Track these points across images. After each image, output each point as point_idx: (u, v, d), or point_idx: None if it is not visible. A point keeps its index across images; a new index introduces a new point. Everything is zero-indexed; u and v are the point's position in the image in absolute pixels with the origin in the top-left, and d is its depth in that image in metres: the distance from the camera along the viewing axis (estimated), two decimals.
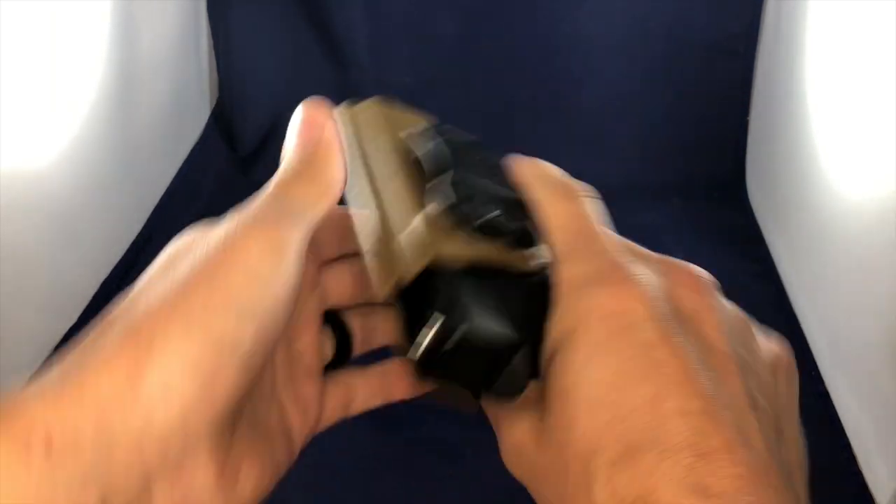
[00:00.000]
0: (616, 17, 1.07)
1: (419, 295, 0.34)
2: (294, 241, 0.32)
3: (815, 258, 0.78)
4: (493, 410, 0.35)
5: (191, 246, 0.30)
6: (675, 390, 0.28)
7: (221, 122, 1.16)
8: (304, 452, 0.78)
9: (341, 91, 1.14)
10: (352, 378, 0.38)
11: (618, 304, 0.30)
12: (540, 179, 0.36)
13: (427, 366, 0.33)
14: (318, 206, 0.35)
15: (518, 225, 0.35)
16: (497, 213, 0.35)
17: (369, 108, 0.45)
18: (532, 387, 0.33)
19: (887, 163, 0.63)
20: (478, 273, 0.35)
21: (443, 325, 0.32)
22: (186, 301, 0.27)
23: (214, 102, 1.19)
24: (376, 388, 0.39)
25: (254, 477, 0.31)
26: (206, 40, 1.16)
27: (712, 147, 1.08)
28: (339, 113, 0.42)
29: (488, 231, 0.35)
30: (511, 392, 0.34)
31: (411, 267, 0.32)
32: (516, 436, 0.33)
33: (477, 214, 0.35)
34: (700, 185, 1.06)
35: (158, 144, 1.04)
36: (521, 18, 1.08)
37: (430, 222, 0.35)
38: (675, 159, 1.08)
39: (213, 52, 1.16)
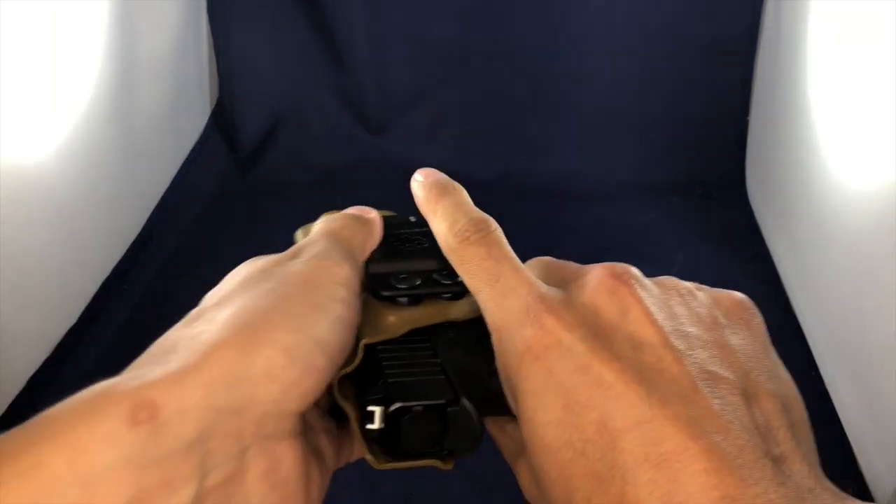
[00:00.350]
0: (616, 17, 1.07)
1: (361, 380, 0.37)
2: (357, 273, 0.37)
3: (815, 258, 0.78)
4: (509, 458, 0.37)
5: (269, 269, 0.34)
6: (616, 405, 0.29)
7: (221, 122, 1.16)
8: None
9: (341, 91, 1.14)
10: None
11: (544, 340, 0.31)
12: (440, 225, 0.38)
13: (385, 448, 0.36)
14: (366, 248, 0.41)
15: (441, 285, 0.40)
16: (417, 283, 0.40)
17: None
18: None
19: (887, 162, 0.63)
20: (408, 339, 0.39)
21: (381, 408, 0.35)
22: (287, 304, 0.32)
23: (214, 102, 1.19)
24: None
25: (318, 478, 0.33)
26: (206, 40, 1.16)
27: (712, 147, 1.08)
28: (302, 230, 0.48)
29: (415, 300, 0.40)
30: (466, 445, 0.36)
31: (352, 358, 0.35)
32: (523, 484, 0.35)
33: (397, 292, 0.40)
34: (700, 185, 1.06)
35: (158, 144, 1.04)
36: (520, 19, 1.08)
37: (366, 310, 0.39)
38: (675, 159, 1.08)
39: (213, 52, 1.16)
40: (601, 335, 0.31)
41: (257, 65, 1.14)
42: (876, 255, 0.63)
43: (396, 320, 0.39)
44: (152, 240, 0.97)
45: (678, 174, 1.07)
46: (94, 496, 0.24)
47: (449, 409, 0.36)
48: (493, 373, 0.36)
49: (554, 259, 0.38)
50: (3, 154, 0.71)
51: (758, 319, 0.33)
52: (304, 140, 1.12)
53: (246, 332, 0.29)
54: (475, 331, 0.38)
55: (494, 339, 0.34)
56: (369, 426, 0.35)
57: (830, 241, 0.74)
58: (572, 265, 0.36)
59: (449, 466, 0.36)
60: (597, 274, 0.33)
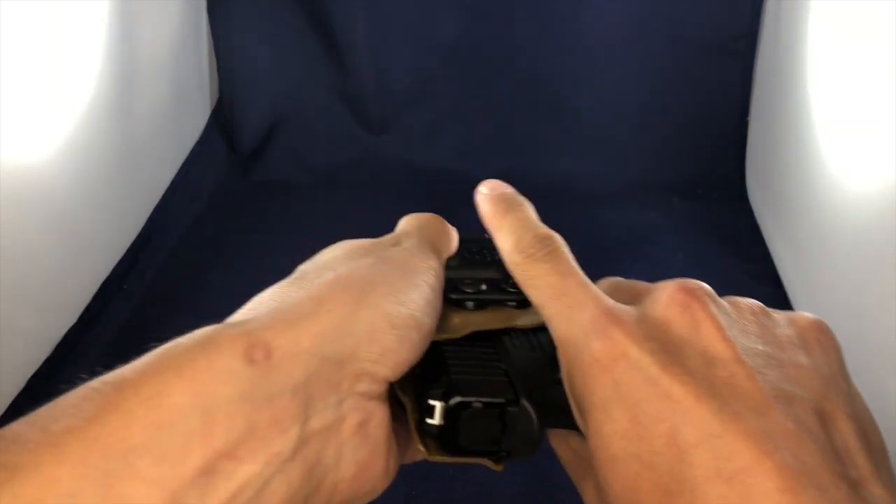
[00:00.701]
0: (616, 17, 1.07)
1: (422, 376, 0.38)
2: (441, 269, 0.39)
3: (815, 258, 0.78)
4: (573, 473, 0.37)
5: (369, 248, 0.37)
6: (686, 419, 0.28)
7: (221, 122, 1.16)
8: None
9: (341, 91, 1.14)
10: None
11: (612, 353, 0.31)
12: (506, 241, 0.39)
13: (440, 445, 0.36)
14: (448, 250, 0.43)
15: (506, 293, 0.41)
16: (483, 287, 0.41)
17: None
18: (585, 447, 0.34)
19: (887, 162, 0.63)
20: (472, 341, 0.40)
21: (441, 402, 0.36)
22: (389, 278, 0.34)
23: (214, 102, 1.19)
24: None
25: (395, 450, 0.34)
26: (206, 40, 1.16)
27: (712, 147, 1.08)
28: None
29: (480, 305, 0.41)
30: (523, 448, 0.36)
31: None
32: (588, 501, 0.35)
33: (464, 295, 0.41)
34: (700, 185, 1.06)
35: (158, 144, 1.04)
36: (520, 19, 1.08)
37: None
38: (675, 159, 1.08)
39: (213, 52, 1.16)
40: (671, 349, 0.31)
41: (257, 65, 1.14)
42: (876, 255, 0.63)
43: (461, 322, 0.40)
44: (152, 240, 0.96)
45: (678, 174, 1.07)
46: (213, 426, 0.25)
47: (509, 408, 0.36)
48: (557, 382, 0.36)
49: (623, 279, 0.38)
50: (3, 154, 0.71)
51: (834, 342, 0.32)
52: (304, 140, 1.12)
53: (354, 292, 0.31)
54: (540, 340, 0.39)
55: (561, 352, 0.34)
56: (428, 420, 0.36)
57: (830, 240, 0.74)
58: (642, 283, 0.36)
59: (499, 468, 0.36)
60: (668, 290, 0.33)
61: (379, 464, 0.33)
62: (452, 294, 0.41)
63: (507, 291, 0.41)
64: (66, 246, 0.82)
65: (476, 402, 0.37)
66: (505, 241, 0.39)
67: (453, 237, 0.43)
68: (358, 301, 0.31)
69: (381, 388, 0.32)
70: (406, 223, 0.42)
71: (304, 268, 0.34)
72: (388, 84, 1.13)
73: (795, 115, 0.88)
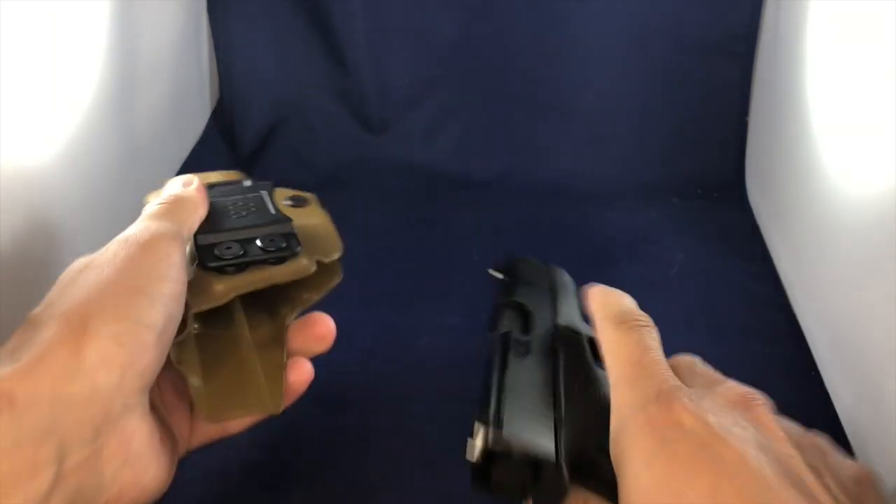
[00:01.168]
0: (616, 17, 1.07)
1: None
2: (180, 248, 0.40)
3: (815, 258, 0.78)
4: None
5: (90, 263, 0.37)
6: (733, 480, 0.29)
7: (221, 122, 1.16)
8: (305, 453, 0.78)
9: (341, 91, 1.14)
10: None
11: (669, 417, 0.32)
12: (604, 308, 0.41)
13: (477, 472, 0.38)
14: (194, 221, 0.44)
15: (264, 251, 0.45)
16: (240, 252, 0.45)
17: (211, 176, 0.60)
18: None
19: (888, 162, 0.63)
20: (533, 363, 0.41)
21: (484, 436, 0.37)
22: (110, 292, 0.34)
23: (214, 102, 1.19)
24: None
25: (168, 454, 0.37)
26: (206, 40, 1.16)
27: (712, 147, 1.08)
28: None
29: (240, 268, 0.45)
30: (545, 501, 0.37)
31: None
32: None
33: (222, 262, 0.46)
34: (700, 185, 1.06)
35: (158, 144, 1.04)
36: (520, 18, 1.08)
37: (195, 278, 0.45)
38: (675, 159, 1.08)
39: (213, 52, 1.16)
40: (726, 426, 0.32)
41: (257, 65, 1.14)
42: (876, 255, 0.63)
43: (223, 288, 0.43)
44: None
45: (678, 174, 1.07)
46: None
47: (546, 468, 0.37)
48: (603, 451, 0.36)
49: (699, 362, 0.40)
50: (1, 154, 0.71)
51: (882, 497, 0.33)
52: (305, 140, 1.12)
53: (77, 325, 0.32)
54: (600, 394, 0.39)
55: (615, 415, 0.35)
56: (468, 458, 0.37)
57: (830, 240, 0.74)
58: (716, 374, 0.38)
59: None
60: (739, 389, 0.35)
61: (150, 472, 0.34)
62: (210, 262, 0.43)
63: (264, 250, 0.44)
64: (67, 246, 0.82)
65: (518, 453, 0.37)
66: (601, 308, 0.41)
67: (198, 206, 0.45)
68: (81, 334, 0.32)
69: (136, 401, 0.33)
70: (151, 205, 0.45)
71: (39, 308, 0.35)
72: (388, 84, 1.13)
73: (795, 116, 0.88)
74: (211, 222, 0.47)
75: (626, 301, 0.43)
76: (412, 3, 1.09)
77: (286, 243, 0.45)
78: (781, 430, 0.34)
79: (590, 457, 0.37)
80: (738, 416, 0.33)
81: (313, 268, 0.47)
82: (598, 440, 0.37)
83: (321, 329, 0.52)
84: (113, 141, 0.91)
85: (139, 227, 0.41)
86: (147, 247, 0.38)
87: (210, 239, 0.45)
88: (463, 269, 0.91)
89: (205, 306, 0.41)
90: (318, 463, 0.69)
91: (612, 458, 0.34)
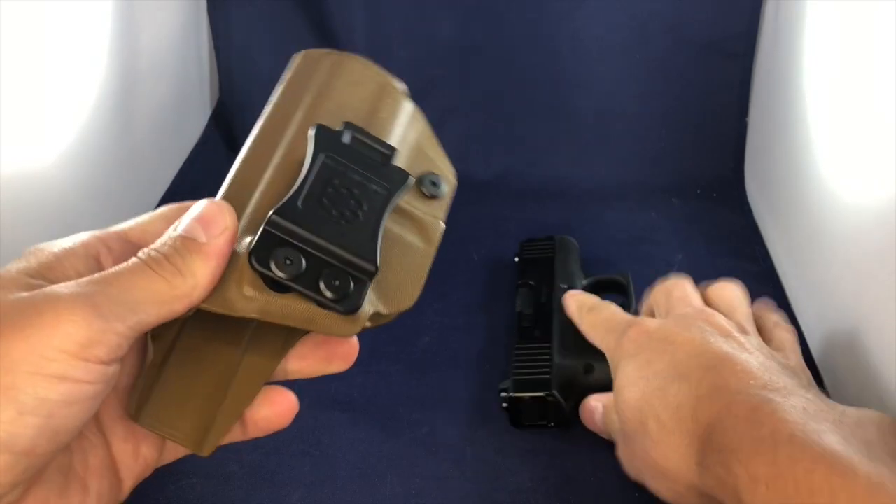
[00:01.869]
0: (616, 17, 1.07)
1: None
2: (116, 336, 0.28)
3: (815, 258, 0.78)
4: (607, 431, 0.61)
5: None
6: (684, 348, 0.50)
7: (221, 122, 1.16)
8: (305, 453, 0.78)
9: None
10: None
11: (639, 330, 0.54)
12: (577, 305, 0.65)
13: (510, 415, 0.67)
14: (162, 309, 0.30)
15: (320, 294, 0.34)
16: (300, 270, 0.35)
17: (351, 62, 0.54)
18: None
19: (887, 163, 0.63)
20: (537, 340, 0.70)
21: (505, 392, 0.67)
22: None
23: (214, 102, 1.19)
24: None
25: (97, 490, 0.33)
26: (206, 40, 1.16)
27: (712, 147, 1.08)
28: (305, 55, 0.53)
29: (282, 288, 0.36)
30: (560, 420, 0.65)
31: None
32: (621, 456, 0.55)
33: (269, 273, 0.35)
34: (700, 185, 1.06)
35: (158, 145, 1.04)
36: (520, 19, 1.08)
37: (235, 258, 0.37)
38: (675, 159, 1.08)
39: (213, 52, 1.16)
40: (681, 327, 0.52)
41: (257, 65, 1.14)
42: (875, 255, 0.63)
43: (245, 304, 0.33)
44: None
45: (678, 174, 1.07)
46: None
47: (548, 398, 0.63)
48: (588, 371, 0.63)
49: (679, 286, 0.62)
50: (2, 155, 0.71)
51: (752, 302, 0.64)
52: None
53: None
54: (582, 340, 0.64)
55: (610, 355, 0.58)
56: (503, 406, 0.67)
57: (830, 240, 0.74)
58: (688, 296, 0.62)
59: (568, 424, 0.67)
60: (694, 307, 0.58)
61: None
62: (258, 264, 0.33)
63: (326, 286, 0.33)
64: None
65: (525, 396, 0.64)
66: (574, 307, 0.65)
67: (207, 278, 0.32)
68: None
69: (16, 494, 0.28)
70: (142, 251, 0.34)
71: None
72: None
73: (795, 116, 0.88)
74: (304, 198, 0.34)
75: (593, 298, 0.64)
76: (412, 3, 1.09)
77: (352, 290, 0.33)
78: (726, 323, 0.53)
79: (579, 381, 0.63)
80: (699, 322, 0.52)
81: (358, 330, 0.35)
82: (586, 365, 0.63)
83: (346, 347, 0.41)
84: (113, 141, 0.91)
85: (46, 292, 0.28)
86: (27, 326, 0.25)
87: (283, 227, 0.33)
88: (463, 269, 0.91)
89: (216, 309, 0.32)
90: (319, 463, 0.70)
91: (611, 372, 0.55)
